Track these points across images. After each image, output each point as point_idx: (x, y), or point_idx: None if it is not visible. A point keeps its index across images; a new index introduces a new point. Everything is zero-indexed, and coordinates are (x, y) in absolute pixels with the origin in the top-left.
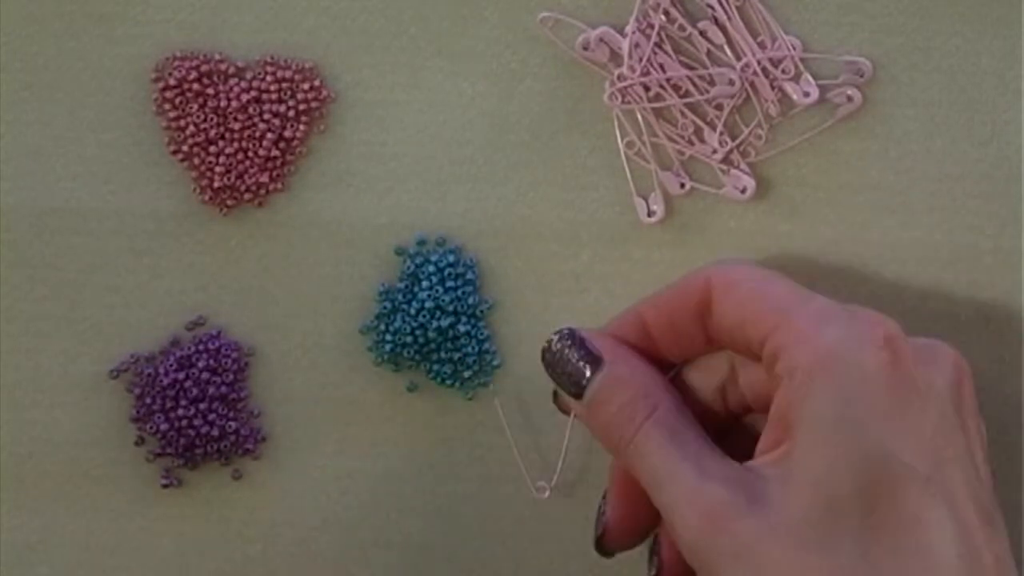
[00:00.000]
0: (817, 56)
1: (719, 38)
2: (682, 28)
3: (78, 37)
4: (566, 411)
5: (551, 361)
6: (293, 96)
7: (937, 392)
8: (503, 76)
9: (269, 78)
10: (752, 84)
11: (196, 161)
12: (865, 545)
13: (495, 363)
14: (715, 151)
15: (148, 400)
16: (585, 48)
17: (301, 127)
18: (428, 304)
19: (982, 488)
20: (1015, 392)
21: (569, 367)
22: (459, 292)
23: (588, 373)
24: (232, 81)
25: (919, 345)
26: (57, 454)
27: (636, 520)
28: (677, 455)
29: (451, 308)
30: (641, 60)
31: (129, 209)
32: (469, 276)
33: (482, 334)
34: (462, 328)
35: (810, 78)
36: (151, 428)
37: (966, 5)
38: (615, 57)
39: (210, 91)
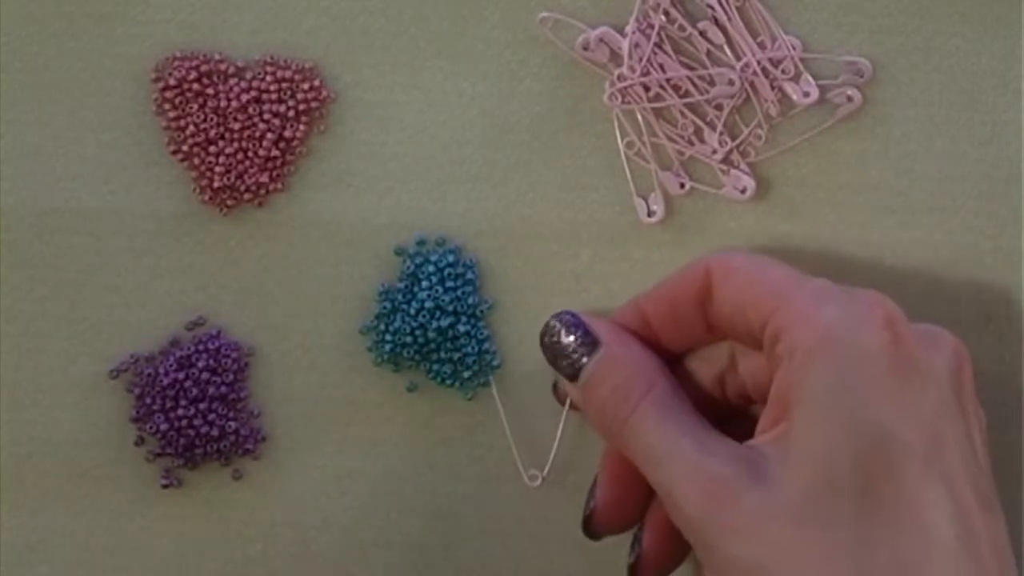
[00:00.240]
0: (817, 56)
1: (719, 38)
2: (682, 28)
3: (78, 37)
4: (564, 402)
5: (549, 343)
6: (293, 96)
7: (937, 375)
8: (503, 76)
9: (269, 78)
10: (752, 84)
11: (196, 161)
12: (863, 522)
13: (495, 363)
14: (715, 151)
15: (148, 400)
16: (585, 48)
17: (301, 127)
18: (428, 304)
19: (980, 474)
20: (1015, 392)
21: (568, 349)
22: (459, 292)
23: (585, 354)
24: (232, 81)
25: (920, 329)
26: (57, 454)
27: (624, 506)
28: (676, 432)
29: (451, 308)
30: (641, 60)
31: (129, 209)
32: (469, 276)
33: (482, 334)
34: (462, 328)
35: (810, 78)
36: (151, 428)
37: (966, 5)
38: (615, 57)
39: (210, 91)
